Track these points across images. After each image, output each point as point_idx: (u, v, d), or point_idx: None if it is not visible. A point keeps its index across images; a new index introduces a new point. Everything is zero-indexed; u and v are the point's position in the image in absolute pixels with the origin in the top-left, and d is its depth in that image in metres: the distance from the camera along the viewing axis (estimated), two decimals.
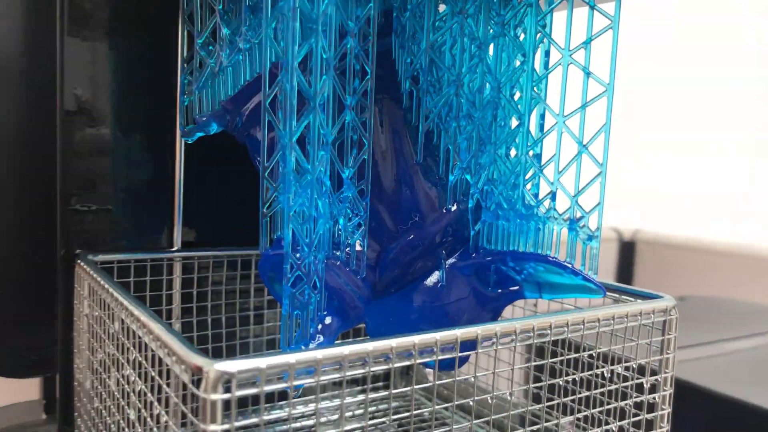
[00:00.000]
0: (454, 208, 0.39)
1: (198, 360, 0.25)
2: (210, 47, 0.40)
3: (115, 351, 0.37)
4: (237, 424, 0.25)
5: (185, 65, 0.42)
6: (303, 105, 0.34)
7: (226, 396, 0.25)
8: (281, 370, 0.26)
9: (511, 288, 0.41)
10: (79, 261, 0.46)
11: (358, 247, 0.36)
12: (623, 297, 0.42)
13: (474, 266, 0.40)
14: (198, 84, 0.40)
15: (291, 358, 0.26)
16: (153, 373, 0.30)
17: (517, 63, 0.40)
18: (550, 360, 0.36)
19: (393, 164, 0.37)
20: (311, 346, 0.34)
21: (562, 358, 0.38)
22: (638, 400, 0.39)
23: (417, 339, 0.30)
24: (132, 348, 0.34)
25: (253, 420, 0.45)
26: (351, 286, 0.36)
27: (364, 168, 0.36)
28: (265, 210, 0.35)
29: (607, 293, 0.42)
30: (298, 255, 0.33)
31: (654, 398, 0.39)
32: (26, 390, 0.53)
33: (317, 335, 0.34)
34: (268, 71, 0.34)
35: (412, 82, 0.38)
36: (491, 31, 0.39)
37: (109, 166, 0.49)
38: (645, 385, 0.39)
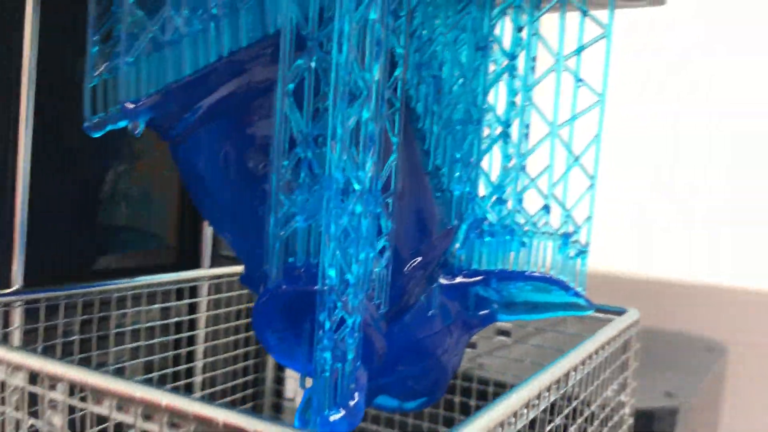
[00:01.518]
0: (456, 224, 0.34)
1: None
2: (139, 9, 0.29)
3: None
4: None
5: (95, 30, 0.30)
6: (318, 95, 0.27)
7: None
8: None
9: (486, 311, 0.37)
10: None
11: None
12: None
13: (459, 289, 0.36)
14: (127, 58, 0.29)
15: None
16: None
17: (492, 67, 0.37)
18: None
19: (404, 174, 0.31)
20: (350, 405, 0.26)
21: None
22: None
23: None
24: None
25: None
26: (377, 323, 0.28)
27: (391, 178, 0.29)
28: (279, 231, 0.26)
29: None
30: (340, 290, 0.25)
31: (625, 412, 0.39)
32: None
33: (354, 393, 0.26)
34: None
35: (420, 80, 0.32)
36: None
37: None
38: (623, 399, 0.38)
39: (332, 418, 0.25)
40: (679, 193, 1.04)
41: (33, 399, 0.26)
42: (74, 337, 0.40)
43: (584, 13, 0.36)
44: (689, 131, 1.03)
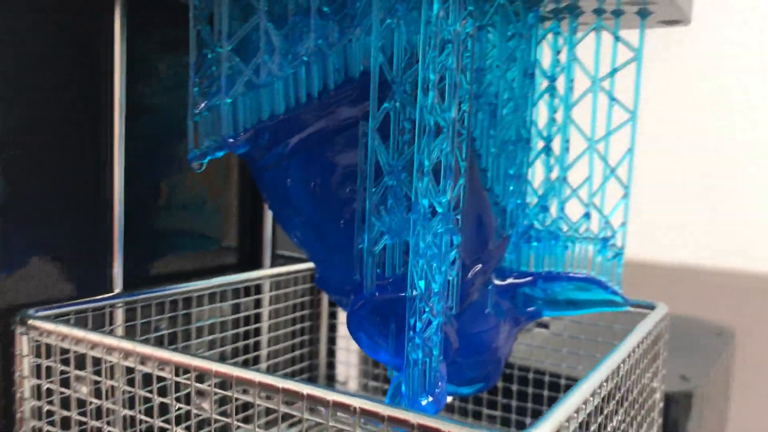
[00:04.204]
0: (509, 233, 0.38)
1: None
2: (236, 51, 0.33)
3: None
4: None
5: (195, 72, 0.34)
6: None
7: None
8: None
9: (533, 308, 0.42)
10: (22, 319, 0.34)
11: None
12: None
13: (510, 289, 0.40)
14: (226, 99, 0.33)
15: None
16: None
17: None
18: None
19: (469, 191, 0.35)
20: (437, 393, 0.31)
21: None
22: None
23: None
24: None
25: None
26: (451, 323, 0.33)
27: (460, 197, 0.33)
28: (372, 248, 0.31)
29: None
30: (427, 297, 0.30)
31: (656, 396, 0.44)
32: None
33: (438, 382, 0.31)
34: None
35: (478, 108, 0.37)
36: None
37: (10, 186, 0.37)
38: (654, 385, 0.43)
39: (423, 403, 0.30)
40: (682, 178, 1.09)
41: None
42: (164, 332, 0.45)
43: (617, 39, 0.40)
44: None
